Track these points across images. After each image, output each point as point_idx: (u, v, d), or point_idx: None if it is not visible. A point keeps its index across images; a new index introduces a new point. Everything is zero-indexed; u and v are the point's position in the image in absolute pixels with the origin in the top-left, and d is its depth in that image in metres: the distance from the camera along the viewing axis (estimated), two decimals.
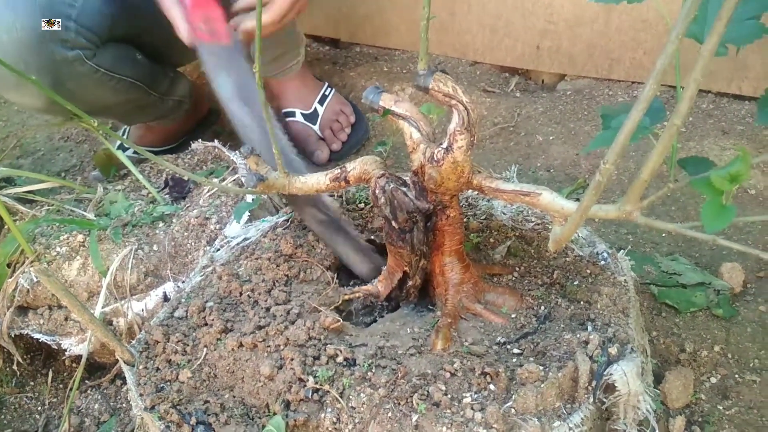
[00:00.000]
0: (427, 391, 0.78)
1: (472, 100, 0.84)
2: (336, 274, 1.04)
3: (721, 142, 1.41)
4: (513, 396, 0.76)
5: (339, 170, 0.94)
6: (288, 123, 1.68)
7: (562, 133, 1.56)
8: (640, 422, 0.78)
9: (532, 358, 0.82)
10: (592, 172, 1.44)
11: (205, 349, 0.91)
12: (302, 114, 1.67)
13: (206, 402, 0.85)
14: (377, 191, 0.91)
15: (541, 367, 0.79)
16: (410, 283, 0.96)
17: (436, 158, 0.84)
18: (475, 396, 0.77)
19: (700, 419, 0.95)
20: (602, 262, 0.96)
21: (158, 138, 1.71)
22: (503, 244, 1.02)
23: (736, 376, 1.00)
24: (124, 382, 1.17)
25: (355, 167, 0.93)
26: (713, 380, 0.99)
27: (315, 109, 1.67)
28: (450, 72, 1.85)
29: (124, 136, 1.73)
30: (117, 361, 1.18)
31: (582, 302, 0.90)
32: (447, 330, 0.87)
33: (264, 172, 0.91)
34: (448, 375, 0.80)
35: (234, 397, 0.87)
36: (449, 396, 0.77)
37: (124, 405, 1.15)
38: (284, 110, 1.69)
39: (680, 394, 0.96)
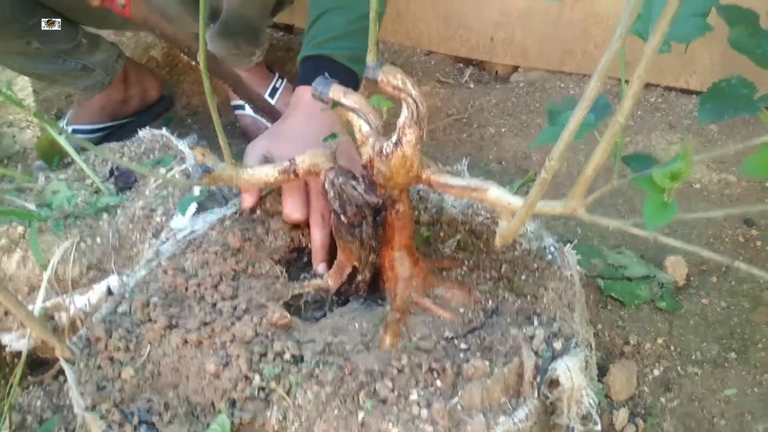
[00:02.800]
0: (374, 388, 0.78)
1: (422, 93, 0.84)
2: (286, 269, 1.03)
3: (668, 136, 1.44)
4: (459, 392, 0.77)
5: (288, 163, 0.92)
6: (238, 117, 1.65)
7: (514, 125, 1.57)
8: (584, 416, 0.79)
9: (478, 354, 0.82)
10: (543, 164, 1.44)
11: (148, 346, 0.89)
12: (252, 107, 1.64)
13: (149, 401, 0.83)
14: (326, 185, 0.90)
15: (487, 363, 0.79)
16: (360, 277, 0.95)
17: (385, 152, 0.83)
18: (422, 392, 0.77)
19: (642, 411, 0.97)
20: (549, 257, 0.97)
21: (91, 115, 1.66)
22: (453, 238, 1.02)
23: (679, 368, 1.02)
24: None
25: (304, 160, 0.92)
26: (656, 372, 1.01)
27: None
28: (405, 61, 1.85)
29: (65, 121, 1.69)
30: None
31: (528, 296, 0.91)
32: (396, 325, 0.87)
33: (210, 164, 0.90)
34: (395, 371, 0.80)
35: (178, 395, 0.85)
36: (396, 393, 0.77)
37: (67, 402, 1.12)
38: (233, 103, 1.66)
39: (623, 387, 0.97)
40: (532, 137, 1.51)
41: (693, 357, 1.04)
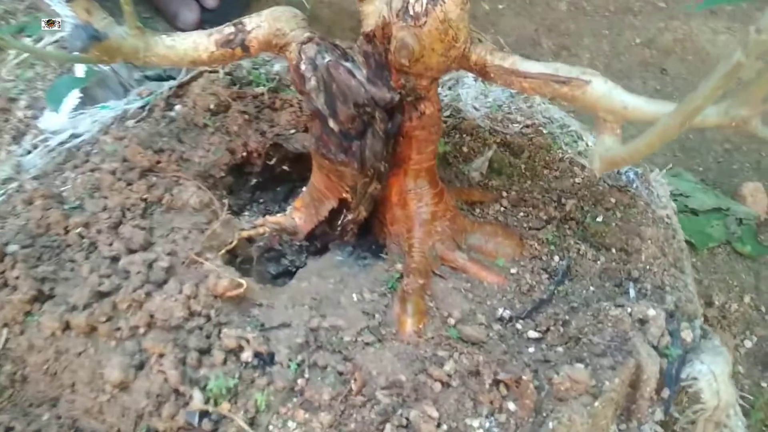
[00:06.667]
0: (407, 418, 0.46)
1: None
2: (227, 193, 0.68)
3: (712, 23, 1.15)
4: (549, 422, 0.46)
5: (233, 28, 0.57)
6: None
7: (515, 1, 1.23)
8: None
9: (560, 348, 0.52)
10: (557, 54, 1.12)
11: (5, 332, 0.59)
12: None
13: (10, 427, 0.54)
14: (303, 67, 0.55)
15: (586, 369, 0.49)
16: (350, 216, 0.63)
17: (412, 13, 0.49)
18: (488, 423, 0.46)
19: (741, 401, 0.71)
20: (630, 189, 0.66)
21: None
22: (482, 155, 0.70)
23: None
24: None
25: (259, 25, 0.57)
26: (748, 344, 0.76)
27: None
28: None
29: None
30: None
31: (614, 249, 0.61)
32: (418, 298, 0.56)
33: (101, 27, 0.53)
34: (437, 386, 0.48)
35: (58, 417, 0.56)
36: (446, 426, 0.46)
37: None
38: None
39: None
40: (539, 18, 1.20)
41: None
